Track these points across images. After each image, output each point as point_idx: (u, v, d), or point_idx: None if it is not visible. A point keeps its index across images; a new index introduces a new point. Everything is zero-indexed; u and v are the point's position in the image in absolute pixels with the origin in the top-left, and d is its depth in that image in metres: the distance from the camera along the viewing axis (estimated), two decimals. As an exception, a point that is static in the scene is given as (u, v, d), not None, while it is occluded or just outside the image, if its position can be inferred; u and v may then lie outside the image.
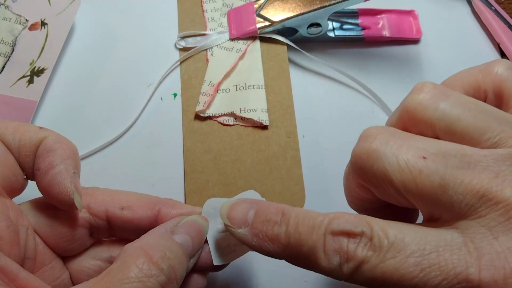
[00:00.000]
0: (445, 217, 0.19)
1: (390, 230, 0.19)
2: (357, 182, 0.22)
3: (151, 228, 0.25)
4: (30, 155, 0.24)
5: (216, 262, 0.25)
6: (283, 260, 0.21)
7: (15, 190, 0.24)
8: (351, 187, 0.23)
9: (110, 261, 0.26)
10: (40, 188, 0.24)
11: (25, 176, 0.25)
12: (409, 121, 0.21)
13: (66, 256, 0.26)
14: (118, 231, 0.26)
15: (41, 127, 0.25)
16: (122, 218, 0.25)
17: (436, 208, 0.19)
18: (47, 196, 0.24)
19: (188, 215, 0.26)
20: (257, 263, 0.33)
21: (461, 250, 0.17)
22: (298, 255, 0.20)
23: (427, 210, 0.19)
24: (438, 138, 0.20)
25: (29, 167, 0.24)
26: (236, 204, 0.23)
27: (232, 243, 0.26)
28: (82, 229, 0.25)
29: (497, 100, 0.22)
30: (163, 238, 0.23)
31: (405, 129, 0.21)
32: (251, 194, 0.26)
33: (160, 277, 0.21)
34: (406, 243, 0.18)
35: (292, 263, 0.21)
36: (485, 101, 0.22)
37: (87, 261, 0.26)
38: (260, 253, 0.22)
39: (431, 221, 0.19)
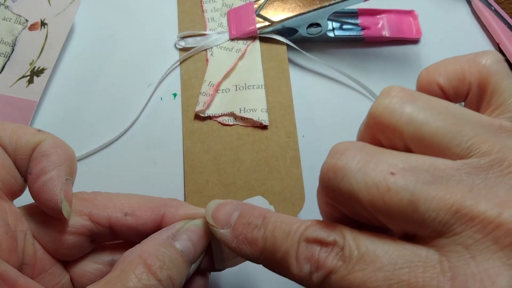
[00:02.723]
0: (420, 234, 0.18)
1: (362, 241, 0.18)
2: (325, 200, 0.21)
3: (155, 232, 0.24)
4: (25, 158, 0.24)
5: (218, 266, 0.25)
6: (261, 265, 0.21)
7: (14, 193, 0.24)
8: (322, 205, 0.22)
9: (112, 264, 0.26)
10: (31, 193, 0.23)
11: (23, 179, 0.24)
12: (377, 128, 0.20)
13: (66, 261, 0.26)
14: (121, 236, 0.26)
15: (39, 130, 0.25)
16: (126, 224, 0.25)
17: (408, 226, 0.18)
18: (37, 202, 0.23)
19: (192, 218, 0.25)
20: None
21: (435, 268, 0.16)
22: (273, 260, 0.20)
23: (399, 229, 0.18)
24: (407, 145, 0.19)
25: (25, 171, 0.24)
26: (222, 204, 0.23)
27: None
28: (83, 237, 0.25)
29: (480, 94, 0.21)
30: (164, 246, 0.23)
31: (374, 137, 0.20)
32: (259, 200, 0.25)
33: None
34: (377, 256, 0.17)
35: (268, 269, 0.21)
36: (468, 94, 0.21)
37: (88, 265, 0.26)
38: (239, 255, 0.22)
39: (406, 240, 0.18)
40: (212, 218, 0.23)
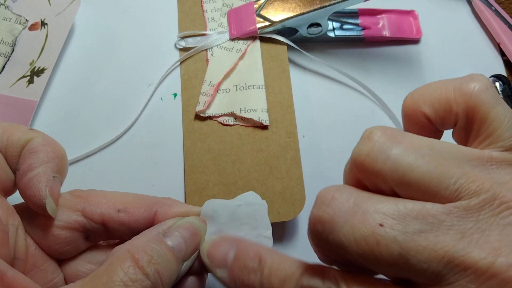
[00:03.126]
0: (414, 281, 0.17)
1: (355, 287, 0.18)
2: (316, 249, 0.20)
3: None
4: (16, 155, 0.24)
5: None
6: None
7: (7, 189, 0.24)
8: (314, 249, 0.21)
9: None
10: (19, 189, 0.24)
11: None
12: (361, 174, 0.19)
13: (61, 259, 0.26)
14: (115, 234, 0.26)
15: (31, 129, 0.25)
16: (118, 221, 0.25)
17: (401, 275, 0.17)
18: (23, 198, 0.23)
19: (185, 216, 0.25)
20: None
21: None
22: None
23: (393, 276, 0.18)
24: (393, 190, 0.18)
25: (15, 168, 0.24)
26: (217, 243, 0.23)
27: None
28: (76, 232, 0.25)
29: (469, 124, 0.20)
30: (153, 241, 0.22)
31: (359, 181, 0.20)
32: (251, 196, 0.26)
33: (145, 282, 0.21)
34: None
35: None
36: (455, 123, 0.20)
37: (82, 264, 0.26)
38: None
39: (400, 285, 0.18)
40: (207, 258, 0.23)
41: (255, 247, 0.22)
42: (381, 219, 0.17)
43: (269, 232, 0.26)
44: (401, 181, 0.18)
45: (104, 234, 0.26)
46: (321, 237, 0.19)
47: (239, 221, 0.26)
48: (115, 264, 0.21)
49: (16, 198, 0.25)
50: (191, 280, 0.25)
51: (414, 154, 0.18)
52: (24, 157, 0.23)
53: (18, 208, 0.25)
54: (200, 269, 0.25)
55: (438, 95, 0.20)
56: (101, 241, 0.27)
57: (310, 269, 0.20)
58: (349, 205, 0.18)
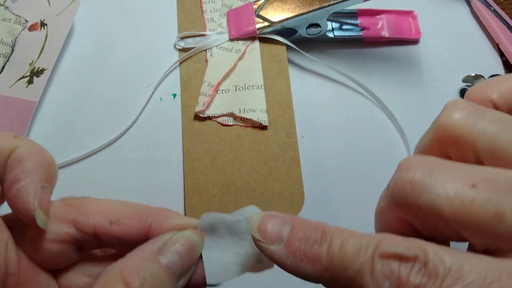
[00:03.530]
0: (503, 248, 0.17)
1: (446, 256, 0.17)
2: (397, 217, 0.20)
3: (142, 243, 0.23)
4: (1, 166, 0.22)
5: (210, 281, 0.24)
6: (320, 284, 0.19)
7: None
8: (388, 223, 0.21)
9: None
10: (7, 201, 0.22)
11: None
12: (447, 140, 0.19)
13: (54, 270, 0.25)
14: (108, 245, 0.25)
15: (15, 135, 0.23)
16: (111, 233, 0.23)
17: (492, 239, 0.17)
18: (13, 211, 0.22)
19: (181, 229, 0.24)
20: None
21: None
22: (340, 278, 0.18)
23: (482, 243, 0.18)
24: (479, 158, 0.18)
25: (1, 179, 0.23)
26: (269, 216, 0.21)
27: (229, 261, 0.24)
28: (68, 244, 0.24)
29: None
30: (147, 261, 0.21)
31: (442, 150, 0.20)
32: (252, 210, 0.24)
33: None
34: (465, 271, 0.16)
35: (329, 287, 0.19)
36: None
37: (76, 277, 0.25)
38: (293, 274, 0.20)
39: (487, 254, 0.18)
40: (258, 232, 0.21)
41: (312, 221, 0.20)
42: (473, 180, 0.17)
43: None
44: (489, 147, 0.18)
45: (98, 244, 0.25)
46: (410, 199, 0.18)
47: (238, 237, 0.24)
48: (107, 286, 0.20)
49: (5, 207, 0.24)
50: None
51: (501, 123, 0.18)
52: (10, 167, 0.22)
53: (8, 219, 0.23)
54: (199, 282, 0.24)
55: (507, 84, 0.21)
56: (97, 250, 0.26)
57: (391, 237, 0.18)
58: (439, 169, 0.18)
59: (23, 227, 0.23)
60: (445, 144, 0.20)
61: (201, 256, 0.24)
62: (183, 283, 0.23)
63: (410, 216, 0.19)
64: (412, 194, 0.18)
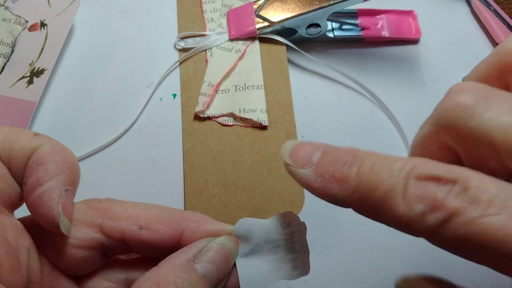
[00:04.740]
0: None
1: (491, 184, 0.15)
2: (441, 142, 0.18)
3: (173, 249, 0.22)
4: (21, 167, 0.21)
5: None
6: (349, 207, 0.18)
7: (14, 203, 0.22)
8: (429, 152, 0.19)
9: (127, 283, 0.23)
10: (27, 206, 0.21)
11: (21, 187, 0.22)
12: (510, 67, 0.18)
13: (77, 276, 0.23)
14: (136, 251, 0.23)
15: (36, 134, 0.22)
16: (140, 238, 0.22)
17: None
18: (33, 216, 0.21)
19: (216, 235, 0.23)
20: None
21: None
22: (369, 199, 0.17)
23: None
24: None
25: (21, 180, 0.21)
26: (301, 144, 0.20)
27: (264, 269, 0.23)
28: (93, 250, 0.22)
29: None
30: (183, 270, 0.20)
31: (500, 80, 0.19)
32: (289, 216, 0.23)
33: None
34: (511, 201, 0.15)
35: (358, 210, 0.18)
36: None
37: (100, 282, 0.23)
38: (321, 197, 0.19)
39: None
40: (289, 157, 0.20)
41: (345, 147, 0.19)
42: None
43: (307, 257, 0.23)
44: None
45: (125, 249, 0.23)
46: (459, 121, 0.17)
47: (274, 243, 0.23)
48: None
49: (23, 209, 0.23)
50: None
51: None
52: (31, 169, 0.21)
53: (27, 222, 0.22)
54: None
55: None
56: (121, 255, 0.25)
57: (429, 161, 0.17)
58: (493, 96, 0.17)
59: (44, 232, 0.22)
60: (505, 72, 0.18)
61: (234, 263, 0.23)
62: None
63: (457, 141, 0.18)
64: (462, 117, 0.17)
